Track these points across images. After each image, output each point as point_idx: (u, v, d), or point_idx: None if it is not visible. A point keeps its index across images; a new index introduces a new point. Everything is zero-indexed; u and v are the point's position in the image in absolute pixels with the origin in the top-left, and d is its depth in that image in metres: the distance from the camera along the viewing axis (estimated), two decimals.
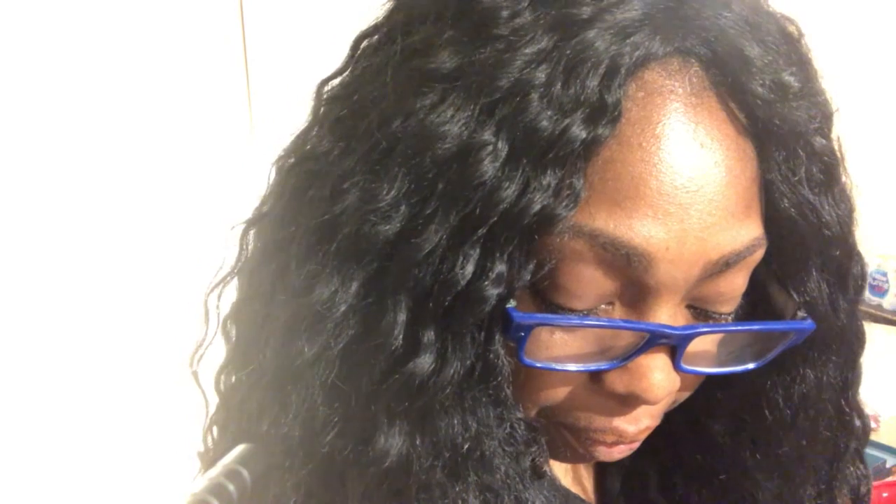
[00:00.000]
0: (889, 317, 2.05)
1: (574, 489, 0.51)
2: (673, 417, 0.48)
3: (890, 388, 1.60)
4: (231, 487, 0.34)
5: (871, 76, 2.17)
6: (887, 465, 1.40)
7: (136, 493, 1.39)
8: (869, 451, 1.41)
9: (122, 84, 1.42)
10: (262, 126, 1.57)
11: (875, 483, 1.30)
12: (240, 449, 0.37)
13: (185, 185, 1.47)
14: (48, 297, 1.38)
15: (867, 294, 2.15)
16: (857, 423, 0.50)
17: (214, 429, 0.49)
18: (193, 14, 1.49)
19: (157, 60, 1.45)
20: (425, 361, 0.37)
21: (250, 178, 0.48)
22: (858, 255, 0.45)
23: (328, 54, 0.46)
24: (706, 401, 0.50)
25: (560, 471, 0.51)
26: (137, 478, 1.39)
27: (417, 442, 0.38)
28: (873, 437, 1.46)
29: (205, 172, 1.47)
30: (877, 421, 1.51)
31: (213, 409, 0.49)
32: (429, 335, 0.38)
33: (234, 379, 0.46)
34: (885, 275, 2.13)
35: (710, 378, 0.45)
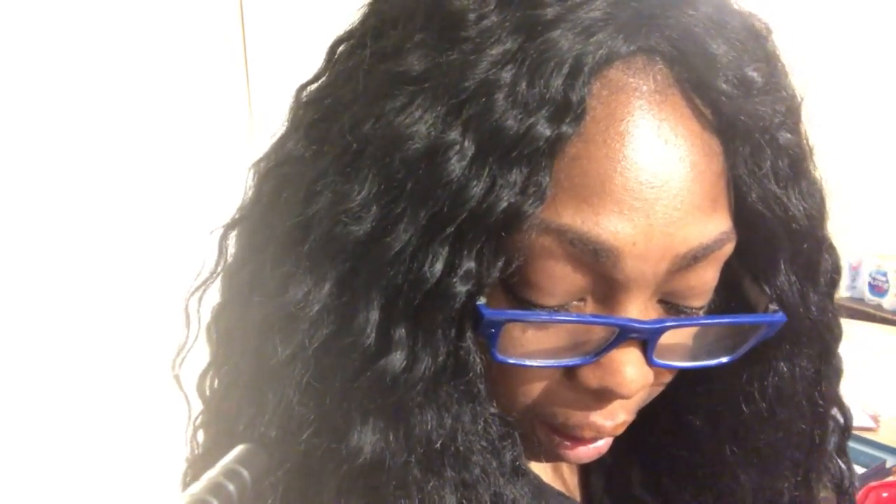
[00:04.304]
0: (889, 317, 2.05)
1: (556, 486, 0.51)
2: (654, 413, 0.48)
3: (890, 388, 1.60)
4: (231, 487, 0.34)
5: (873, 79, 2.17)
6: (887, 465, 1.39)
7: (133, 494, 1.40)
8: (869, 450, 1.41)
9: (122, 84, 1.43)
10: (262, 126, 1.58)
11: (875, 483, 1.29)
12: (239, 449, 0.37)
13: (185, 186, 1.48)
14: (45, 296, 1.38)
15: (867, 294, 2.15)
16: (837, 416, 0.51)
17: (200, 433, 0.50)
18: (193, 14, 1.50)
19: (158, 60, 1.46)
20: (397, 359, 0.38)
21: (245, 181, 0.48)
22: (830, 248, 0.46)
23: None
24: (687, 396, 0.50)
25: (542, 468, 0.51)
26: (133, 480, 1.39)
27: (391, 438, 0.39)
28: (873, 437, 1.46)
29: (204, 173, 1.48)
30: (877, 421, 1.51)
31: (195, 414, 0.50)
32: (400, 333, 0.38)
33: (216, 382, 0.47)
34: (885, 275, 2.12)
35: (690, 374, 0.45)
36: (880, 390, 1.59)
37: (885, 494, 1.28)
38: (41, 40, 1.36)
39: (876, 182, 2.11)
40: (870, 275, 2.14)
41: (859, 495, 1.25)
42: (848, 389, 0.51)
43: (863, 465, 1.37)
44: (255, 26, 1.59)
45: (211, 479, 0.34)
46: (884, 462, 1.39)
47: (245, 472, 0.36)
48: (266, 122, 1.56)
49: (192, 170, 1.49)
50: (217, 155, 1.51)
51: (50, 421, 1.39)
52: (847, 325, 0.49)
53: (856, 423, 0.54)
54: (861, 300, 2.15)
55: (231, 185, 0.50)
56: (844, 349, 0.49)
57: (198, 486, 0.34)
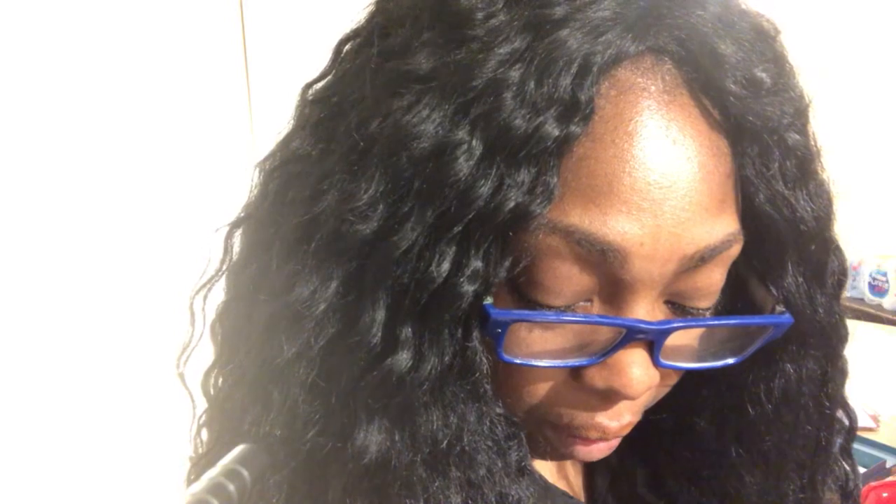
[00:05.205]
0: (889, 317, 2.04)
1: (561, 486, 0.51)
2: (660, 414, 0.48)
3: (890, 388, 1.60)
4: (231, 487, 0.34)
5: (872, 79, 2.17)
6: (887, 465, 1.39)
7: (135, 493, 1.40)
8: (869, 451, 1.41)
9: (122, 84, 1.43)
10: (262, 126, 1.58)
11: (875, 483, 1.29)
12: (239, 449, 0.37)
13: (185, 186, 1.48)
14: (51, 295, 1.38)
15: (867, 294, 2.15)
16: (842, 418, 0.51)
17: (203, 431, 0.50)
18: (193, 14, 1.50)
19: (158, 61, 1.46)
20: (403, 358, 0.38)
21: (250, 180, 0.49)
22: (837, 249, 0.46)
23: (328, 55, 0.47)
24: (692, 398, 0.50)
25: (547, 468, 0.51)
26: (135, 479, 1.39)
27: (397, 438, 0.39)
28: (873, 437, 1.45)
29: (204, 173, 1.48)
30: (877, 421, 1.51)
31: (199, 412, 0.49)
32: (406, 332, 0.38)
33: (220, 380, 0.47)
34: (885, 275, 2.12)
35: (695, 375, 0.45)
36: (880, 390, 1.58)
37: (885, 494, 1.28)
38: (41, 40, 1.35)
39: (876, 182, 2.11)
40: (870, 275, 2.14)
41: None
42: (848, 389, 0.51)
43: (863, 465, 1.37)
44: (255, 26, 1.59)
45: (211, 479, 0.34)
46: (884, 462, 1.39)
47: (245, 473, 0.36)
48: (266, 121, 1.57)
49: (192, 169, 1.49)
50: (218, 154, 1.50)
51: (52, 419, 1.39)
52: (848, 325, 0.49)
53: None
54: (861, 300, 2.14)
55: (232, 184, 0.50)
56: (845, 349, 0.49)
57: (198, 486, 0.34)
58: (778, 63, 0.41)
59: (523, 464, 0.43)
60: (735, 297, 0.46)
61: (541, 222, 0.37)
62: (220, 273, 0.48)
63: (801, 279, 0.43)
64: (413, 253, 0.38)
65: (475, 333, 0.39)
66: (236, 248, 0.47)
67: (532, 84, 0.37)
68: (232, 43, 1.57)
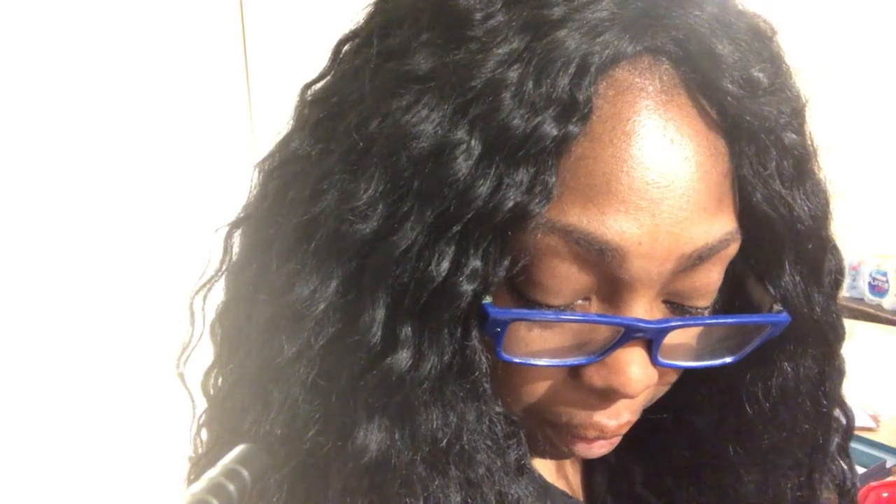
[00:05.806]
0: (889, 317, 2.05)
1: (560, 485, 0.51)
2: (658, 413, 0.48)
3: (890, 388, 1.60)
4: (231, 487, 0.34)
5: (872, 79, 2.17)
6: (887, 465, 1.39)
7: (135, 493, 1.40)
8: (869, 451, 1.41)
9: (122, 84, 1.43)
10: (262, 126, 1.59)
11: (875, 483, 1.29)
12: (239, 449, 0.37)
13: (185, 186, 1.48)
14: (52, 295, 1.38)
15: (867, 294, 2.15)
16: (839, 417, 0.51)
17: (203, 431, 0.50)
18: (193, 14, 1.51)
19: (158, 61, 1.46)
20: (402, 357, 0.38)
21: (250, 180, 0.49)
22: (834, 248, 0.46)
23: (327, 55, 0.47)
24: (690, 396, 0.50)
25: (546, 467, 0.51)
26: (136, 479, 1.39)
27: (397, 437, 0.39)
28: (873, 437, 1.46)
29: (204, 173, 1.48)
30: (877, 421, 1.51)
31: (199, 412, 0.50)
32: (406, 331, 0.38)
33: (220, 380, 0.47)
34: (885, 275, 2.12)
35: (693, 373, 0.45)
36: (880, 390, 1.59)
37: (885, 494, 1.28)
38: (41, 40, 1.35)
39: (875, 182, 2.11)
40: (870, 275, 2.14)
41: (859, 495, 1.25)
42: (848, 389, 0.51)
43: (863, 465, 1.37)
44: (255, 26, 1.59)
45: (211, 479, 0.35)
46: (884, 462, 1.39)
47: (245, 473, 0.36)
48: (266, 121, 1.57)
49: (192, 170, 1.49)
50: (218, 154, 1.51)
51: (53, 419, 1.39)
52: (847, 325, 0.49)
53: (856, 423, 0.55)
54: (861, 300, 2.14)
55: (232, 184, 0.51)
56: (844, 349, 0.49)
57: (198, 486, 0.34)
58: (775, 63, 0.42)
59: (522, 462, 0.43)
60: (733, 295, 0.46)
61: (539, 222, 0.38)
62: (219, 273, 0.48)
63: (798, 278, 0.44)
64: (412, 252, 0.38)
65: (474, 332, 0.39)
66: (236, 248, 0.47)
67: (530, 84, 0.37)
68: (232, 43, 1.57)
